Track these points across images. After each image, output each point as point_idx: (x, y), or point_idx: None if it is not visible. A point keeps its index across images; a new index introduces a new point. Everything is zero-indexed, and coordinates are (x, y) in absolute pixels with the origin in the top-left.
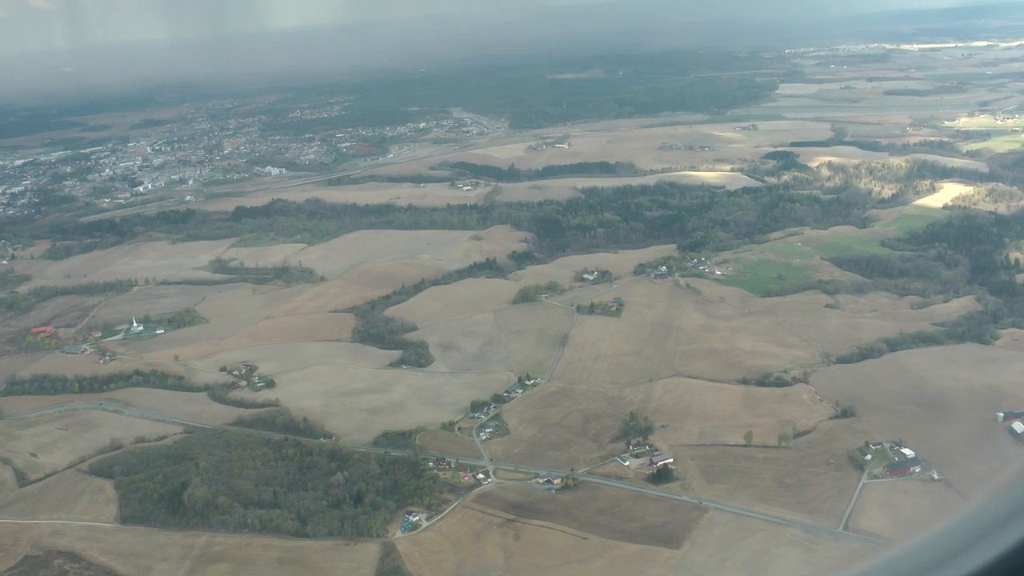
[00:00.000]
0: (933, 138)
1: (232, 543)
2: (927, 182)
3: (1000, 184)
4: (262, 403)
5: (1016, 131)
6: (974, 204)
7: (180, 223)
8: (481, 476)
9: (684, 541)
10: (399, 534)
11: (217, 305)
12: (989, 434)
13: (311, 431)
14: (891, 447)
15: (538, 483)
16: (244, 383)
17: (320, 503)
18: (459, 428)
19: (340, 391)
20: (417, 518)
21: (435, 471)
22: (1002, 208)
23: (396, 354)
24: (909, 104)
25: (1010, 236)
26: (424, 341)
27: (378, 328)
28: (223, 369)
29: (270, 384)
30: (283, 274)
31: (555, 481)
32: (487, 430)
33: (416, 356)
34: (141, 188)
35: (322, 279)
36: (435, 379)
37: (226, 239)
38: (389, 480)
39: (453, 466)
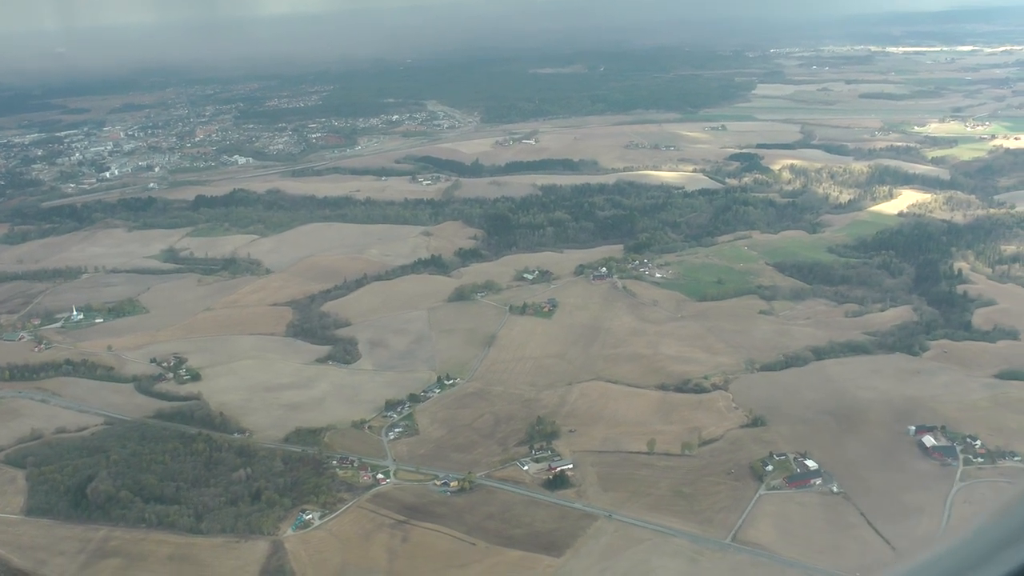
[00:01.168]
0: (900, 143)
1: (128, 538)
2: (885, 188)
3: (959, 192)
4: (184, 396)
5: (984, 139)
6: (930, 212)
7: (140, 210)
8: (380, 476)
9: (567, 549)
10: (290, 532)
11: (160, 295)
12: (898, 447)
13: (226, 426)
14: (795, 458)
15: (435, 485)
16: (171, 375)
17: (219, 499)
18: (369, 427)
19: (263, 386)
20: (310, 516)
21: (337, 470)
22: (958, 217)
23: (325, 350)
24: (883, 108)
25: (959, 246)
26: (354, 337)
27: (312, 323)
28: (153, 361)
29: (196, 377)
30: (230, 265)
31: (451, 484)
32: (396, 430)
33: (344, 352)
34: (107, 174)
35: (268, 271)
36: (358, 376)
37: (182, 228)
38: (290, 478)
39: (356, 465)
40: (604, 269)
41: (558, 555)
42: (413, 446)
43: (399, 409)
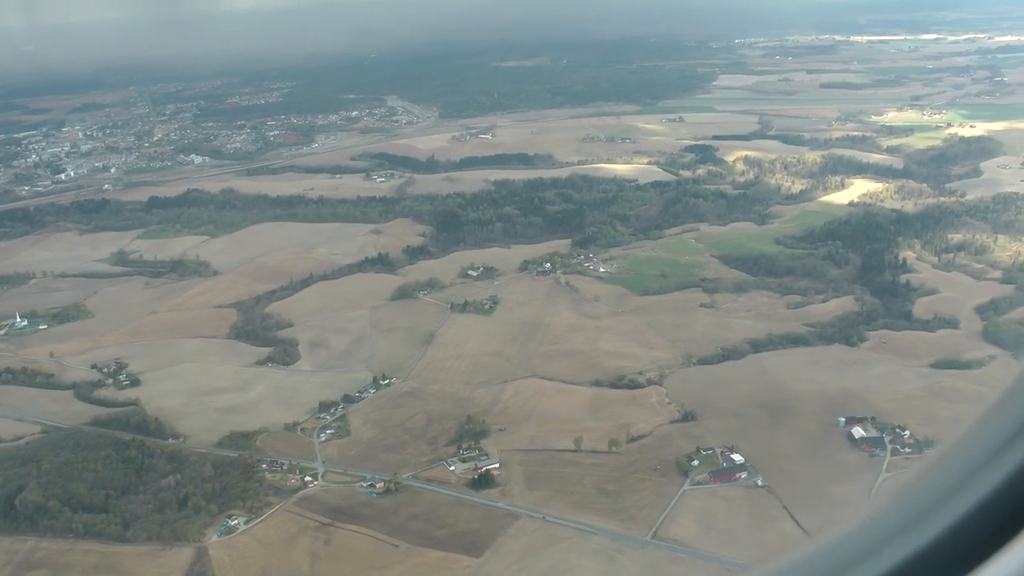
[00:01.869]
0: (856, 133)
1: (55, 548)
2: (838, 178)
3: (910, 181)
4: (122, 402)
5: (940, 127)
6: (881, 201)
7: (93, 213)
8: (308, 479)
9: (487, 549)
10: (215, 539)
11: (107, 299)
12: (827, 440)
13: (161, 432)
14: (722, 452)
15: (362, 487)
16: (110, 381)
17: (147, 507)
18: (302, 429)
19: (201, 390)
20: (236, 522)
21: (266, 473)
22: (908, 206)
23: (266, 351)
24: (842, 97)
25: (907, 235)
26: (295, 338)
27: (254, 325)
28: (94, 367)
29: (135, 382)
30: (178, 267)
31: (377, 485)
32: (328, 431)
33: (284, 354)
34: (63, 175)
35: (215, 273)
36: (296, 378)
37: (133, 230)
38: (219, 483)
39: (285, 468)
40: (548, 265)
41: (478, 555)
42: (344, 447)
43: (333, 410)
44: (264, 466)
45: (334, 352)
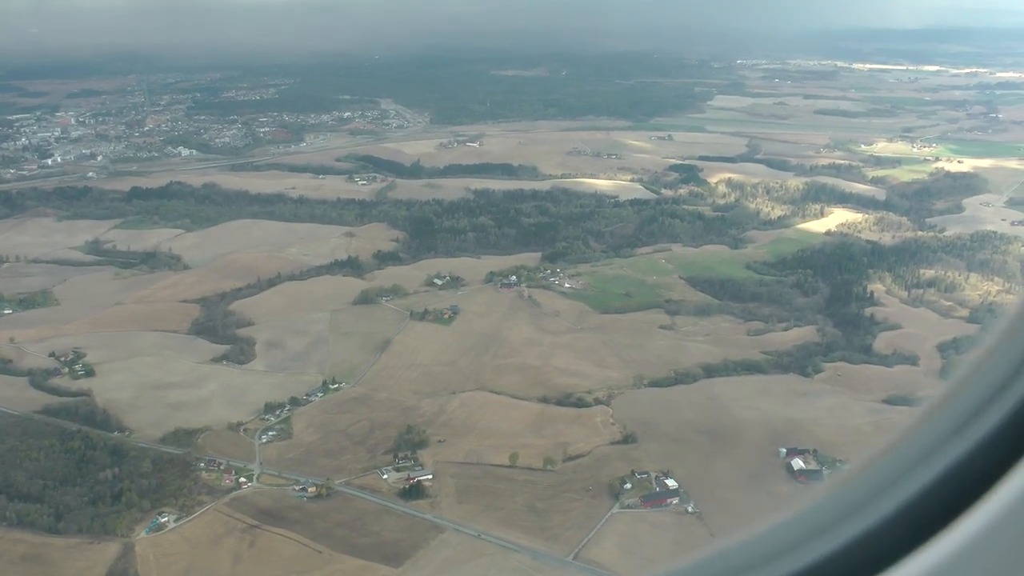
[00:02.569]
0: (842, 161)
1: None
2: (818, 206)
3: (891, 214)
4: (75, 392)
5: (928, 160)
6: (858, 232)
7: (75, 200)
8: (243, 480)
9: (407, 560)
10: (143, 535)
11: (75, 288)
12: (766, 469)
13: (108, 424)
14: (656, 477)
15: (294, 491)
16: (66, 370)
17: (82, 499)
18: (245, 429)
19: (153, 384)
20: (166, 519)
21: (203, 472)
22: (886, 238)
23: (223, 349)
24: (835, 125)
25: (879, 267)
26: (253, 338)
27: (215, 322)
28: (52, 354)
29: (90, 373)
30: (149, 260)
31: (309, 490)
32: (271, 433)
33: (239, 352)
34: (50, 161)
35: (186, 267)
36: (248, 377)
37: (111, 220)
38: (156, 479)
39: (222, 468)
40: (514, 277)
41: (397, 566)
42: (283, 450)
43: (278, 412)
44: (202, 465)
45: (289, 353)
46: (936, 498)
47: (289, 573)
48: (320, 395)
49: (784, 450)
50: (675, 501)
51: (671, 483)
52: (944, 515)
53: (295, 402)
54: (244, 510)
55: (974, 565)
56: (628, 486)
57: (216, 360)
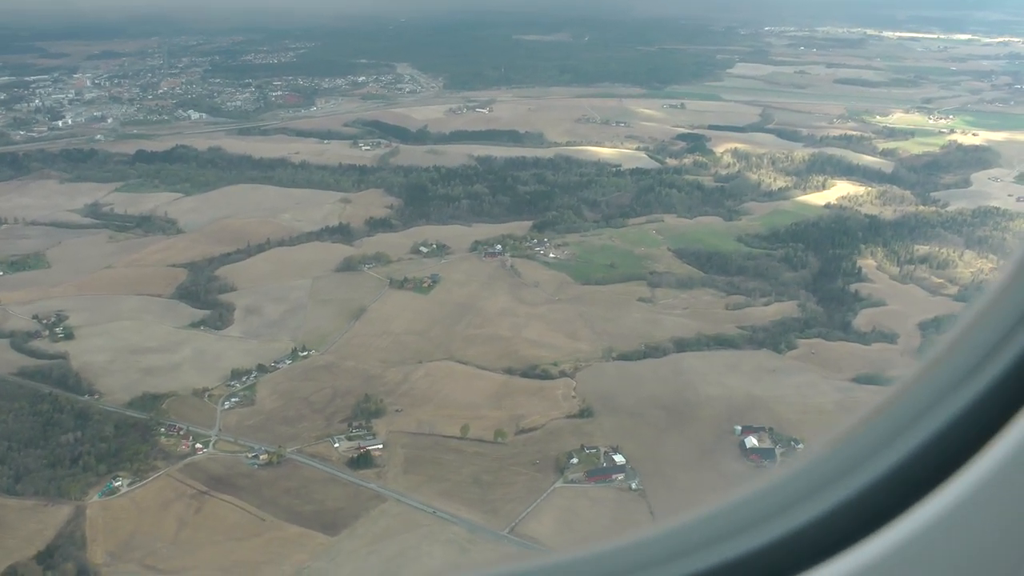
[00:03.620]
0: (855, 132)
1: None
2: (821, 178)
3: (895, 187)
4: (52, 355)
5: (943, 132)
6: (859, 205)
7: (81, 162)
8: (199, 446)
9: (344, 529)
10: (96, 498)
11: (68, 251)
12: (719, 447)
13: (79, 387)
14: (605, 452)
15: (247, 458)
16: (47, 333)
17: (42, 462)
18: (210, 395)
19: (130, 348)
20: (119, 483)
21: (162, 437)
22: (886, 212)
23: (203, 314)
24: (854, 94)
25: (873, 243)
26: (233, 303)
27: (199, 286)
28: (35, 317)
29: (70, 336)
30: (145, 223)
31: (261, 457)
32: (234, 400)
33: (218, 318)
34: (60, 123)
35: (180, 232)
36: (222, 343)
37: (113, 183)
38: (116, 443)
39: (181, 434)
40: (499, 246)
41: (334, 534)
42: (244, 417)
43: (244, 379)
44: (162, 430)
45: (266, 320)
46: (928, 459)
47: (227, 540)
48: (288, 362)
49: (739, 428)
50: (620, 477)
51: (619, 459)
52: (938, 474)
53: (262, 369)
54: (196, 476)
55: (960, 530)
56: (575, 460)
57: (194, 325)
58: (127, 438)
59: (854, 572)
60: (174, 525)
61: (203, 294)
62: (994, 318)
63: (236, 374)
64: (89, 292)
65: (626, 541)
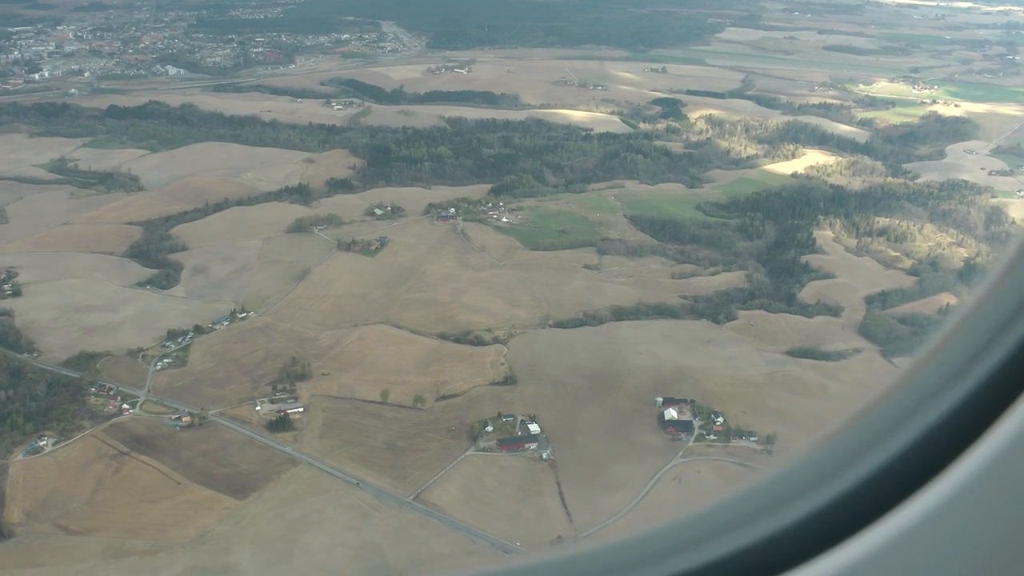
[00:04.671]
0: (834, 101)
1: None
2: (792, 147)
3: (866, 158)
4: None
5: (924, 103)
6: (827, 175)
7: (52, 116)
8: (126, 407)
9: (253, 493)
10: (20, 457)
11: (28, 207)
12: (637, 418)
13: (19, 345)
14: (521, 421)
15: (170, 419)
16: None
17: None
18: (144, 356)
19: (75, 307)
20: (44, 443)
21: (92, 397)
22: (854, 183)
23: (151, 273)
24: (841, 62)
25: (834, 213)
26: (182, 263)
27: (152, 245)
28: None
29: (17, 293)
30: (107, 180)
31: (184, 419)
32: (166, 360)
33: (165, 278)
34: (37, 76)
35: (141, 189)
36: (166, 303)
37: (82, 138)
38: (47, 402)
39: (111, 394)
40: (452, 210)
41: (243, 498)
42: (174, 378)
43: (180, 339)
44: (93, 390)
45: (212, 280)
46: (919, 455)
47: (140, 502)
48: (226, 323)
49: (660, 399)
50: (532, 446)
51: (534, 428)
52: (930, 470)
53: (199, 330)
54: (119, 437)
55: (952, 526)
56: (489, 428)
57: (141, 284)
58: (58, 397)
59: (847, 568)
60: (92, 485)
61: (154, 253)
62: (987, 313)
63: (172, 335)
64: (43, 249)
65: (617, 540)
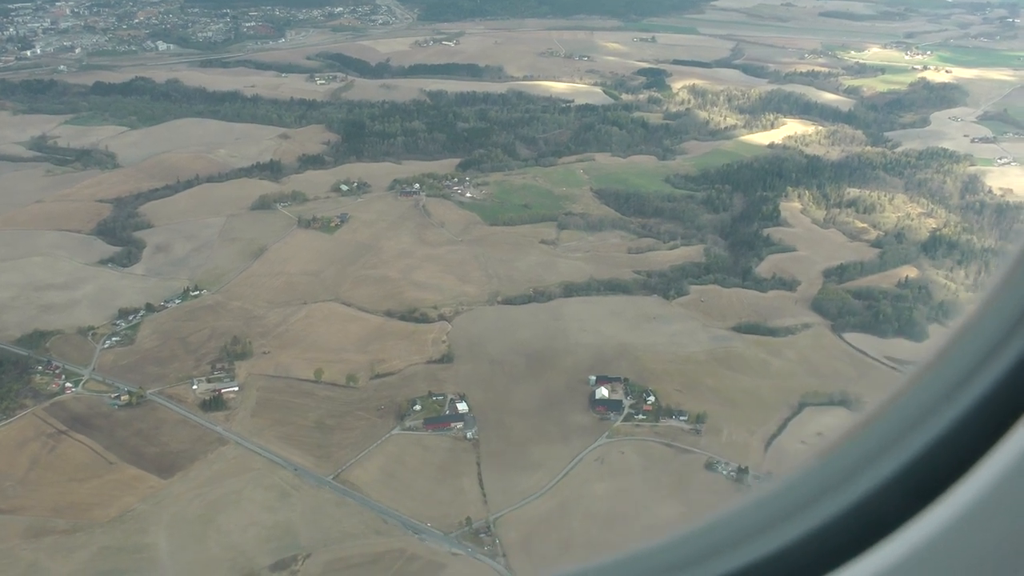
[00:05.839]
0: (822, 69)
1: None
2: (772, 116)
3: (847, 127)
4: None
5: (915, 69)
6: (805, 145)
7: (39, 93)
8: (69, 385)
9: (179, 472)
10: None
11: (3, 184)
12: (568, 397)
13: None
14: (451, 400)
15: (109, 398)
16: None
17: None
18: (94, 334)
19: (36, 284)
20: None
21: (38, 375)
22: (832, 153)
23: (113, 251)
24: (835, 28)
25: (806, 184)
26: (145, 241)
27: (119, 223)
28: None
29: None
30: (84, 157)
31: (122, 398)
32: (114, 339)
33: (127, 255)
34: (28, 53)
35: (117, 166)
36: (124, 281)
37: (65, 115)
38: None
39: (56, 372)
40: (417, 185)
41: (168, 477)
42: (120, 356)
43: (131, 318)
44: (39, 368)
45: (172, 258)
46: (929, 466)
47: (69, 480)
48: (178, 301)
49: (594, 378)
50: (459, 426)
51: (462, 407)
52: (935, 486)
53: (150, 308)
54: (59, 415)
55: (963, 541)
56: (418, 407)
57: (103, 262)
58: (5, 376)
59: None
60: (26, 464)
61: (120, 231)
62: (993, 319)
63: (124, 313)
64: (13, 227)
65: (623, 555)
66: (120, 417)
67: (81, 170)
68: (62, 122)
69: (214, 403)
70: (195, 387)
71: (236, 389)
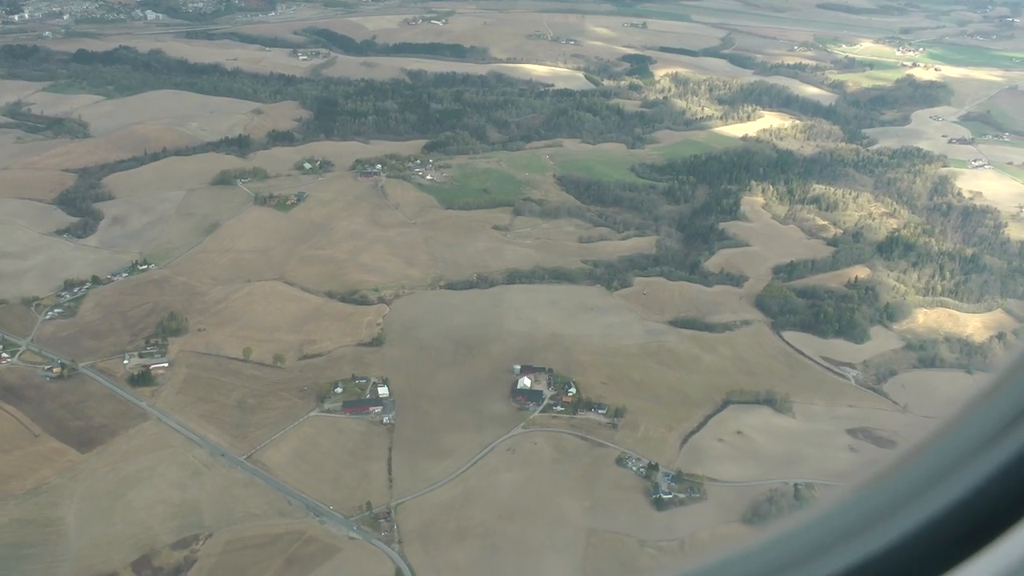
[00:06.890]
0: (810, 61)
1: None
2: (750, 108)
3: (824, 122)
4: None
5: (904, 65)
6: (778, 139)
7: (21, 59)
8: (5, 355)
9: (98, 446)
10: None
11: None
12: (491, 386)
13: None
14: (373, 383)
15: (42, 370)
16: None
17: None
18: (38, 305)
19: None
20: None
21: None
22: (807, 148)
23: (71, 221)
24: (832, 21)
25: (772, 178)
26: (103, 212)
27: (80, 193)
28: None
29: None
30: (56, 125)
31: (54, 370)
32: (57, 311)
33: (83, 226)
34: (16, 17)
35: (87, 136)
36: (77, 252)
37: (42, 82)
38: None
39: None
40: (379, 166)
41: (87, 451)
42: (60, 328)
43: (76, 290)
44: None
45: (127, 231)
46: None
47: None
48: (125, 275)
49: (518, 367)
50: (377, 410)
51: (383, 391)
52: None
53: (96, 281)
54: None
55: None
56: (339, 390)
57: (59, 233)
58: None
59: None
60: None
61: (80, 201)
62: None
63: (70, 285)
64: None
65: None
66: (50, 389)
67: (52, 138)
68: (39, 89)
69: (142, 378)
70: (126, 362)
71: (166, 365)
